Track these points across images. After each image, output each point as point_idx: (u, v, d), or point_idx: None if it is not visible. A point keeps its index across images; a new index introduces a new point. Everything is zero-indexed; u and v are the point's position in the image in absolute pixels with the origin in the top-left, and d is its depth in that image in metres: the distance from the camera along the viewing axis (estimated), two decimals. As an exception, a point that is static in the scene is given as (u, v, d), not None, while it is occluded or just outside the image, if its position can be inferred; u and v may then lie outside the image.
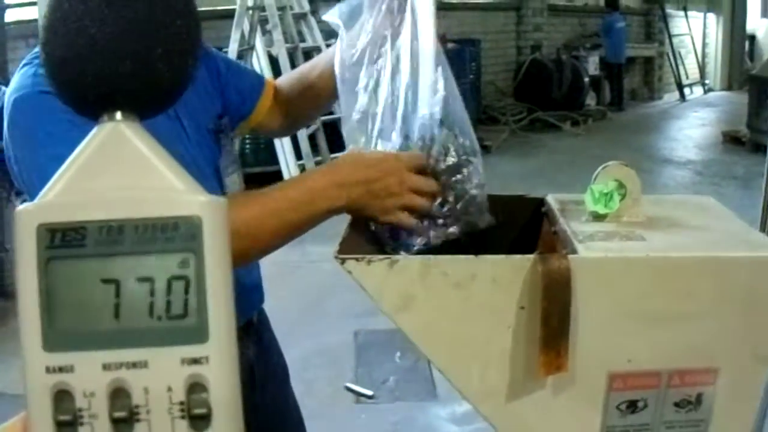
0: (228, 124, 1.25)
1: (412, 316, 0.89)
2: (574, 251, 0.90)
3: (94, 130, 0.41)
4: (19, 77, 1.00)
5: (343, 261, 0.88)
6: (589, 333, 0.89)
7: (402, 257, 0.89)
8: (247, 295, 1.27)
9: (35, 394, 0.37)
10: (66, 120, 0.84)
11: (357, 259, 0.88)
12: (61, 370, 0.37)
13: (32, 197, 0.98)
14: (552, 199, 1.11)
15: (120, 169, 0.39)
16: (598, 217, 1.01)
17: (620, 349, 0.91)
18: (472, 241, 1.04)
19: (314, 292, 4.13)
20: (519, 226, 1.16)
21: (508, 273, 0.88)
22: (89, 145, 0.40)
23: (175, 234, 0.38)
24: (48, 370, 0.37)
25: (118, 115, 0.41)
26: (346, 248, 0.93)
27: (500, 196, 1.16)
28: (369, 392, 3.12)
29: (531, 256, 0.87)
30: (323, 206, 0.98)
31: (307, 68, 1.36)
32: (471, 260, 0.88)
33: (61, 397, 0.37)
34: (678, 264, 0.89)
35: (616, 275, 0.89)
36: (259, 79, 1.37)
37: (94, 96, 0.41)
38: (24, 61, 1.02)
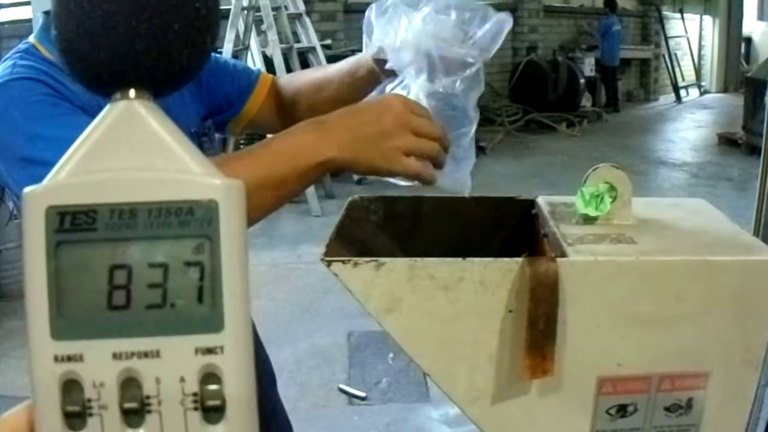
0: (212, 127, 1.22)
1: (398, 318, 0.88)
2: (563, 254, 0.89)
3: (107, 108, 0.39)
4: None
5: (329, 263, 0.87)
6: (578, 336, 0.88)
7: (388, 260, 0.88)
8: None
9: (43, 384, 0.36)
10: (44, 101, 0.82)
11: (343, 262, 0.86)
12: (69, 359, 0.36)
13: (12, 186, 0.97)
14: (542, 201, 1.10)
15: (133, 149, 0.37)
16: (588, 220, 1.00)
17: (610, 352, 0.90)
18: (463, 242, 1.03)
19: (308, 293, 4.12)
20: (510, 228, 1.15)
21: (496, 276, 0.87)
22: (101, 124, 0.38)
23: (190, 218, 0.37)
24: (56, 359, 0.36)
25: (132, 92, 0.39)
26: (333, 250, 0.92)
27: (491, 198, 1.15)
28: (362, 394, 3.11)
29: (519, 259, 0.86)
30: (310, 160, 0.88)
31: (321, 78, 1.25)
32: (458, 262, 0.87)
33: (70, 387, 0.36)
34: (668, 267, 0.88)
35: (605, 279, 0.87)
36: (250, 77, 1.30)
37: (107, 73, 0.39)
38: (4, 57, 1.01)
